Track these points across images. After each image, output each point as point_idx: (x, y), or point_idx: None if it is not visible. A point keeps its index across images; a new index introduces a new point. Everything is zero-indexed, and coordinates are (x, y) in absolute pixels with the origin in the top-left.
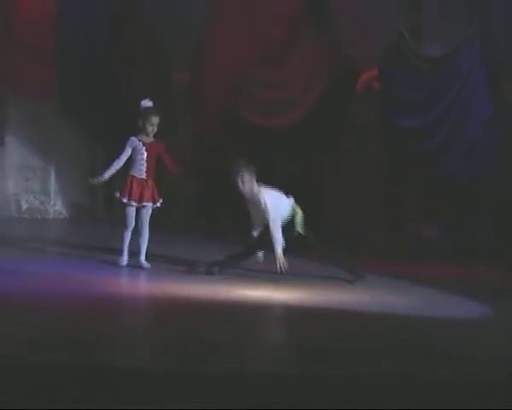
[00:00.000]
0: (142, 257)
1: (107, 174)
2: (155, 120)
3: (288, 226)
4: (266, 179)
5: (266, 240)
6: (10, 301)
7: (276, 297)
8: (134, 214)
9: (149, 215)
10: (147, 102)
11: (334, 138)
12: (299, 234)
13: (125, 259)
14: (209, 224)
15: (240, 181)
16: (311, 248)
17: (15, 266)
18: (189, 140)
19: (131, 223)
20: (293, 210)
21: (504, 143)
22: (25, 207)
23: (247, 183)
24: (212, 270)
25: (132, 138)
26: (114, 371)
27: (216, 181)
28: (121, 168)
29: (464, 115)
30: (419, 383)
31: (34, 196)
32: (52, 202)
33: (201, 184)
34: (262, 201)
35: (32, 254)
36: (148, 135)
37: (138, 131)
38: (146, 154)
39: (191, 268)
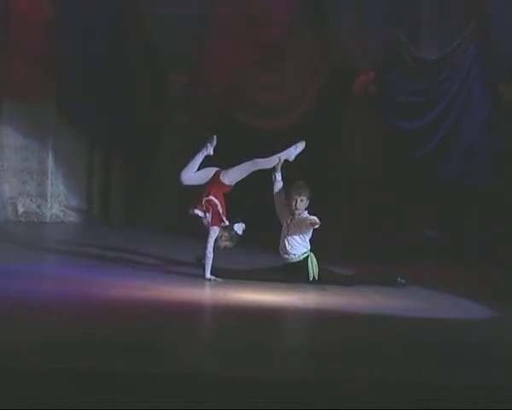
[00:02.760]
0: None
1: None
2: None
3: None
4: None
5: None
6: (7, 304)
7: (273, 301)
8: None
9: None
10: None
11: (332, 141)
12: (314, 278)
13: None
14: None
15: (298, 203)
16: (335, 282)
17: (13, 269)
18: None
19: None
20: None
21: (502, 145)
22: (21, 210)
23: (302, 207)
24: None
25: None
26: (110, 374)
27: None
28: None
29: (462, 117)
30: (419, 385)
31: (31, 200)
32: (49, 206)
33: None
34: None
35: (29, 257)
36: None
37: None
38: None
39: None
